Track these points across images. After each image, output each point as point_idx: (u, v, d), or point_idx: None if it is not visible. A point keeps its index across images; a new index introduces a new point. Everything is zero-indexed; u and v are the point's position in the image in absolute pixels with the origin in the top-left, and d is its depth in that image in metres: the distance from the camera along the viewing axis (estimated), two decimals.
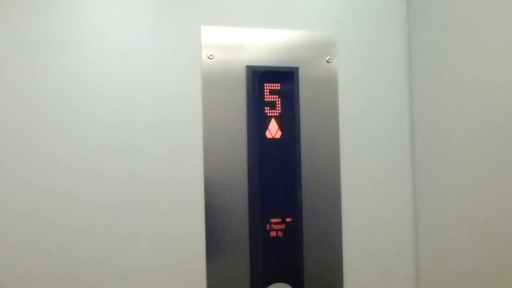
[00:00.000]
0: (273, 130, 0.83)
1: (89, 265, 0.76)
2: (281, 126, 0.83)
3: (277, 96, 0.83)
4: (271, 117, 0.83)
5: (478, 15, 0.71)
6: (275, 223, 0.82)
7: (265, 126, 0.83)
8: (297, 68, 0.84)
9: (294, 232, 0.83)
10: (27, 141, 0.75)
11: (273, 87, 0.83)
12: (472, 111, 0.73)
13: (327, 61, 0.86)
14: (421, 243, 0.88)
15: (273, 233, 0.82)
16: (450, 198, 0.79)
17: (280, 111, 0.83)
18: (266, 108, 0.83)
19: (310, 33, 0.86)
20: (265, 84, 0.83)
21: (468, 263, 0.75)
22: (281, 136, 0.83)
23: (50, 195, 0.75)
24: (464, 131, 0.75)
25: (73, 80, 0.77)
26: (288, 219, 0.83)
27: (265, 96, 0.83)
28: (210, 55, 0.82)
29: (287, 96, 0.83)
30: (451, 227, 0.79)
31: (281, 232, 0.82)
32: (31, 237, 0.75)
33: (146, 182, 0.79)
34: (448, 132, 0.79)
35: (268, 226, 0.82)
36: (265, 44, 0.84)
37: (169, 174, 0.80)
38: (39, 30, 0.76)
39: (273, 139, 0.83)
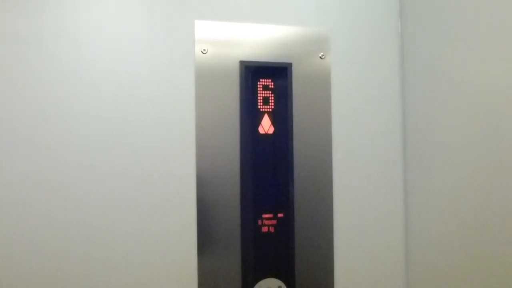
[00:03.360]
0: (266, 126, 0.83)
1: (80, 258, 0.76)
2: (274, 122, 0.83)
3: (270, 92, 0.83)
4: (264, 112, 0.83)
5: (471, 13, 0.72)
6: (267, 219, 0.82)
7: (258, 122, 0.83)
8: (290, 64, 0.84)
9: (285, 227, 0.83)
10: (20, 135, 0.74)
11: (266, 83, 0.83)
12: (464, 109, 0.74)
13: (320, 57, 0.86)
14: (412, 239, 0.89)
15: (264, 229, 0.82)
16: (441, 195, 0.80)
17: (273, 107, 0.83)
18: (259, 103, 0.83)
19: (303, 29, 0.86)
20: (258, 79, 0.83)
21: (458, 260, 0.76)
22: (274, 131, 0.83)
23: (42, 188, 0.75)
24: (456, 129, 0.75)
25: (66, 73, 0.76)
26: (280, 215, 0.83)
27: (258, 92, 0.83)
28: (204, 50, 0.81)
29: (280, 91, 0.83)
30: (441, 224, 0.80)
31: (273, 228, 0.83)
32: (23, 230, 0.74)
33: (138, 176, 0.79)
34: (440, 129, 0.80)
35: (259, 222, 0.82)
36: (259, 39, 0.84)
37: (161, 169, 0.79)
38: (32, 23, 0.75)
39: (266, 134, 0.83)
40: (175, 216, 0.80)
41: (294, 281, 0.83)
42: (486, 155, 0.68)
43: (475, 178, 0.71)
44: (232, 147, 0.82)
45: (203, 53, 0.81)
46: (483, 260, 0.69)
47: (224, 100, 0.82)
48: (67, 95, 0.76)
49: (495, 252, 0.67)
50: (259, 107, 0.83)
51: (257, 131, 0.83)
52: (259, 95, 0.83)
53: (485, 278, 0.69)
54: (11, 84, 0.74)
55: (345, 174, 0.87)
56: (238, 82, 0.82)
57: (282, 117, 0.83)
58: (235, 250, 0.81)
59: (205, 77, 0.81)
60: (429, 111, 0.83)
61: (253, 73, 0.82)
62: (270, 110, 0.83)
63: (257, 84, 0.83)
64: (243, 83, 0.82)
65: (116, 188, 0.77)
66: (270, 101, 0.83)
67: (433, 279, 0.82)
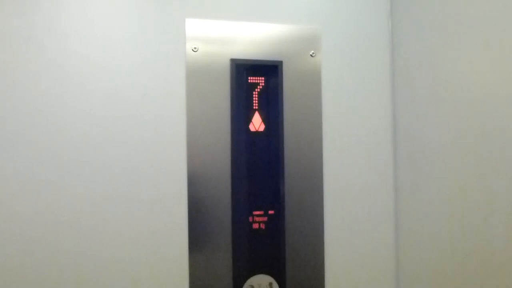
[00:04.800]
0: (257, 123, 0.83)
1: (71, 255, 0.76)
2: (264, 119, 0.84)
3: (261, 90, 0.84)
4: (254, 110, 0.83)
5: (461, 12, 0.72)
6: (258, 216, 0.83)
7: (249, 119, 0.83)
8: (281, 62, 0.84)
9: (276, 224, 0.84)
10: (8, 130, 0.74)
11: (257, 80, 0.83)
12: (454, 108, 0.74)
13: (311, 55, 0.87)
14: (402, 236, 0.89)
15: (255, 225, 0.83)
16: (431, 192, 0.80)
17: (264, 105, 0.84)
18: (250, 101, 0.83)
19: (294, 27, 0.87)
20: (249, 77, 0.83)
21: (448, 257, 0.76)
22: (265, 129, 0.84)
23: (32, 184, 0.75)
24: (446, 127, 0.76)
25: (57, 70, 0.76)
26: (271, 212, 0.84)
27: (249, 89, 0.83)
28: (195, 48, 0.82)
29: (271, 89, 0.84)
30: (431, 221, 0.80)
31: (264, 224, 0.83)
32: (13, 227, 0.74)
33: (129, 173, 0.79)
34: (430, 127, 0.80)
35: (250, 218, 0.83)
36: (250, 37, 0.84)
37: (152, 166, 0.80)
38: (22, 19, 0.75)
39: (257, 132, 0.83)
40: (166, 213, 0.80)
41: (285, 278, 0.84)
42: (476, 154, 0.69)
43: (465, 177, 0.71)
44: (223, 144, 0.82)
45: (194, 51, 0.82)
46: (473, 258, 0.70)
47: (215, 98, 0.82)
48: (57, 92, 0.76)
49: (485, 250, 0.67)
50: (249, 104, 0.83)
51: (248, 128, 0.83)
52: (250, 92, 0.83)
53: (475, 276, 0.69)
54: (0, 81, 0.74)
55: (336, 171, 0.88)
56: (229, 80, 0.83)
57: (273, 114, 0.84)
58: (226, 247, 0.82)
59: (196, 75, 0.82)
60: (419, 109, 0.83)
61: (244, 71, 0.83)
62: (261, 107, 0.84)
63: (248, 82, 0.83)
64: (234, 81, 0.82)
65: (107, 186, 0.78)
66: (261, 98, 0.84)
67: (423, 274, 0.83)
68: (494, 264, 0.66)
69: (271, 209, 0.84)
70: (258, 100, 0.83)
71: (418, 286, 0.84)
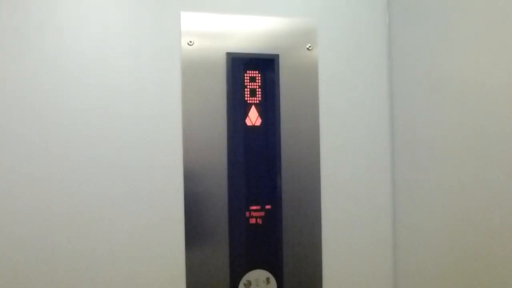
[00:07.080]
0: (253, 118, 0.83)
1: (66, 251, 0.76)
2: (261, 114, 0.83)
3: (257, 84, 0.83)
4: (251, 104, 0.83)
5: (459, 6, 0.71)
6: (255, 210, 0.83)
7: (245, 114, 0.82)
8: (277, 55, 0.84)
9: (273, 219, 0.83)
10: (4, 128, 0.74)
11: (253, 74, 0.83)
12: (451, 101, 0.73)
13: (307, 48, 0.86)
14: (400, 231, 0.89)
15: (252, 220, 0.82)
16: (428, 186, 0.79)
17: (260, 99, 0.83)
18: (246, 95, 0.82)
19: (291, 20, 0.86)
20: (245, 71, 0.82)
21: (444, 252, 0.76)
22: (261, 123, 0.83)
23: (27, 181, 0.74)
24: (444, 121, 0.75)
25: (51, 66, 0.76)
26: (268, 207, 0.83)
27: (245, 83, 0.82)
28: (190, 42, 0.81)
29: (267, 83, 0.83)
30: (428, 215, 0.80)
31: (261, 219, 0.83)
32: (7, 223, 0.74)
33: (125, 169, 0.78)
34: (428, 122, 0.79)
35: (247, 213, 0.82)
36: (246, 31, 0.84)
37: (148, 161, 0.79)
38: (15, 15, 0.75)
39: (253, 126, 0.83)
40: (162, 209, 0.80)
41: (282, 273, 0.83)
42: (474, 149, 0.68)
43: (463, 173, 0.71)
44: (219, 139, 0.82)
45: (190, 45, 0.81)
46: (471, 254, 0.69)
47: (211, 92, 0.81)
48: (51, 86, 0.76)
49: (483, 247, 0.67)
50: (246, 99, 0.82)
51: (244, 123, 0.82)
52: (246, 87, 0.82)
53: (473, 273, 0.69)
54: None
55: (333, 165, 0.87)
56: (224, 74, 0.82)
57: (270, 109, 0.83)
58: (223, 242, 0.81)
59: (191, 69, 0.81)
60: (417, 103, 0.82)
61: (240, 64, 0.82)
62: (257, 102, 0.83)
63: (244, 76, 0.82)
64: (230, 75, 0.81)
65: (102, 182, 0.77)
66: (257, 92, 0.83)
67: (420, 268, 0.82)
68: (492, 260, 0.65)
69: (268, 204, 0.83)
70: (254, 94, 0.83)
71: (415, 280, 0.84)
